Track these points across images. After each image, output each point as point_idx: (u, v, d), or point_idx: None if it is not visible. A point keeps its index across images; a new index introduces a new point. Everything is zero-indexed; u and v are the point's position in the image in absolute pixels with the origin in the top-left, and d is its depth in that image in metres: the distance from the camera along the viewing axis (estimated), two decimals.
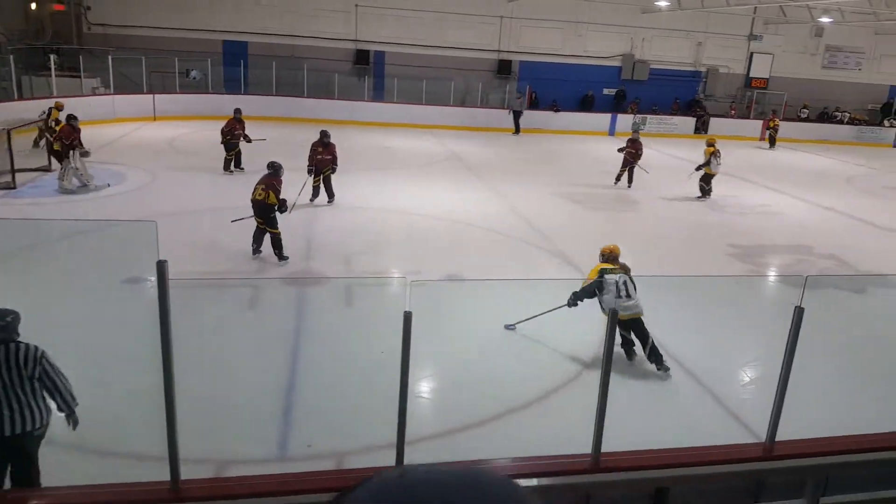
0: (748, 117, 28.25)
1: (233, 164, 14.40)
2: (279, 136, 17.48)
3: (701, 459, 3.81)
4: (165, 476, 3.33)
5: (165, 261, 2.99)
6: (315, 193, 12.13)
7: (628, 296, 6.38)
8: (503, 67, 26.34)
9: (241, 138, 14.36)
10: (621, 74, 27.61)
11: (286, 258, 9.03)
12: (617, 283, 6.44)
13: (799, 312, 3.61)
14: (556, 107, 25.75)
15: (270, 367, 6.24)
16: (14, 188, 11.99)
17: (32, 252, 8.90)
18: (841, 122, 28.90)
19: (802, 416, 4.46)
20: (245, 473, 4.66)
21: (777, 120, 25.76)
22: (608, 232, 12.04)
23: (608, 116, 26.23)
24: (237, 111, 14.61)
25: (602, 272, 6.62)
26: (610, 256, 6.93)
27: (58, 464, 4.56)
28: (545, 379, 6.14)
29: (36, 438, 4.19)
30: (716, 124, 26.86)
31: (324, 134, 12.19)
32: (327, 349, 6.68)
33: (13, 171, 12.10)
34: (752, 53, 28.63)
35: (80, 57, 21.23)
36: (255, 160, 13.08)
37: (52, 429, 4.27)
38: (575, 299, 6.61)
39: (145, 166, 14.50)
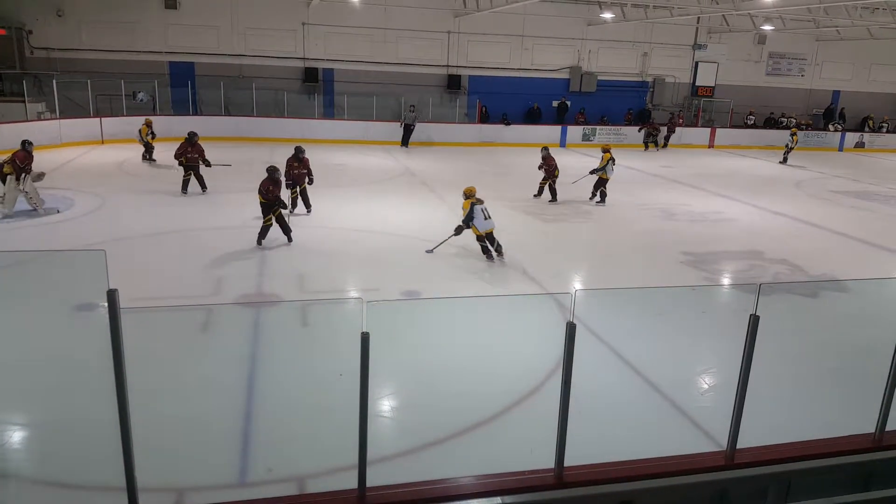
0: (695, 125, 29.01)
1: (189, 185, 14.26)
2: (240, 157, 17.40)
3: (664, 470, 3.85)
4: None
5: (116, 290, 2.94)
6: (293, 205, 12.70)
7: (489, 217, 10.03)
8: (453, 82, 26.60)
9: (199, 161, 14.20)
10: (570, 86, 28.13)
11: (259, 244, 10.58)
12: (483, 210, 10.05)
13: (754, 320, 3.67)
14: (506, 120, 26.06)
15: (227, 392, 6.12)
16: None
17: None
18: (787, 127, 29.78)
19: (762, 423, 4.55)
20: (206, 501, 4.61)
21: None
22: (563, 243, 12.24)
23: (559, 128, 26.66)
24: (192, 134, 14.40)
25: (472, 204, 10.05)
26: (472, 193, 10.26)
27: (18, 497, 4.44)
28: (505, 394, 6.15)
29: None
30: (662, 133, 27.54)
31: (298, 150, 12.96)
32: (285, 372, 6.60)
33: None
34: (697, 62, 29.50)
35: (24, 81, 20.71)
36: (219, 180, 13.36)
37: (12, 462, 4.15)
38: (462, 227, 10.16)
39: (94, 191, 14.16)
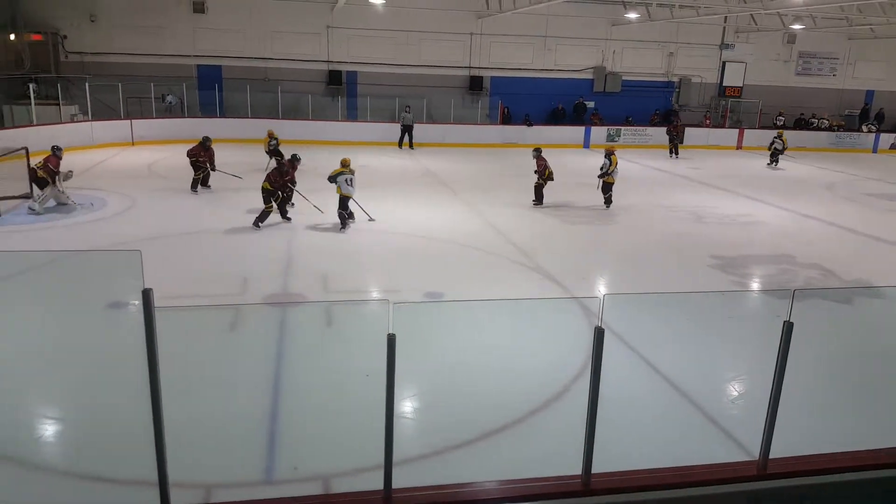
0: (723, 126, 28.66)
1: (199, 183, 14.73)
2: (265, 159, 17.56)
3: (694, 479, 3.78)
4: (154, 502, 3.31)
5: (150, 289, 3.00)
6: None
7: (352, 185, 11.99)
8: (475, 83, 26.59)
9: (207, 164, 14.69)
10: (594, 87, 27.96)
11: (257, 226, 11.75)
12: (347, 178, 11.95)
13: (788, 327, 3.59)
14: (528, 121, 25.98)
15: (254, 391, 6.19)
16: None
17: (16, 280, 8.82)
18: (819, 128, 29.16)
19: (796, 432, 4.45)
20: (233, 498, 4.66)
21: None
22: (587, 246, 12.16)
23: (582, 129, 26.52)
24: (206, 139, 14.83)
25: (341, 172, 12.01)
26: (346, 164, 12.21)
27: (51, 490, 4.55)
28: (531, 398, 6.12)
29: None
30: (690, 134, 27.23)
31: (295, 157, 13.45)
32: (310, 371, 6.66)
33: None
34: (724, 62, 29.14)
35: (59, 85, 21.20)
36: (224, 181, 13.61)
37: (44, 455, 4.26)
38: (330, 180, 12.16)
39: (125, 191, 14.43)
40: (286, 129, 23.00)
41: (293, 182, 12.84)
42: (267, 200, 11.91)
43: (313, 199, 12.82)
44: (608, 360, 3.63)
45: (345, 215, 12.09)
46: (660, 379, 6.57)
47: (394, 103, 24.65)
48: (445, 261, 10.70)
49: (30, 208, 12.51)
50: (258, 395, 6.09)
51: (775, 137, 23.02)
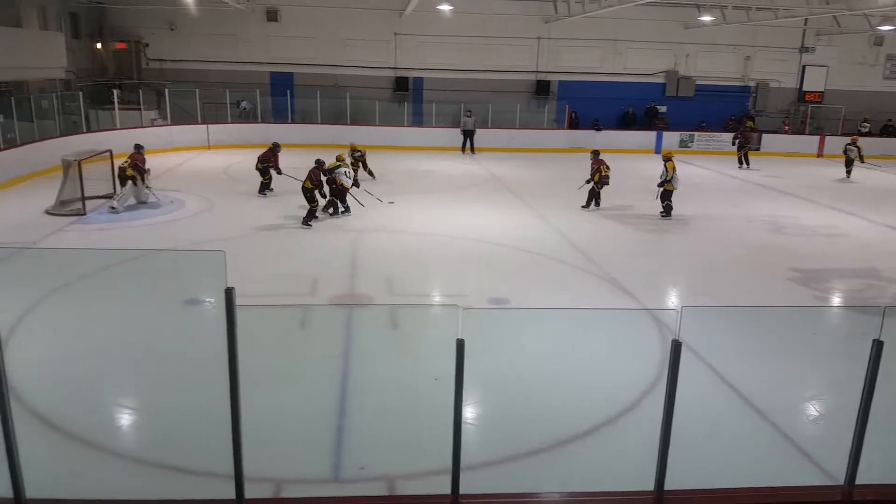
0: (803, 132, 27.50)
1: (266, 188, 15.19)
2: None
3: (773, 501, 3.65)
4: (228, 494, 3.39)
5: (233, 288, 3.09)
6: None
7: (349, 178, 12.94)
8: (542, 88, 26.40)
9: (273, 168, 15.10)
10: (665, 91, 27.33)
11: (309, 225, 12.30)
12: (345, 171, 12.96)
13: (877, 346, 3.43)
14: (597, 125, 25.59)
15: (322, 389, 6.31)
16: (84, 214, 12.67)
17: (100, 276, 9.30)
18: None
19: (885, 458, 4.21)
20: (302, 494, 4.75)
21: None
22: (659, 255, 11.86)
23: (653, 134, 25.93)
24: (275, 145, 15.24)
25: (338, 166, 13.07)
26: (341, 158, 13.49)
27: (125, 477, 4.76)
28: (601, 410, 6.01)
29: None
30: (768, 141, 26.25)
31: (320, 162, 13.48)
32: (376, 372, 6.74)
33: (83, 199, 12.79)
34: (804, 66, 27.99)
35: (140, 91, 22.28)
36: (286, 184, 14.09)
37: (121, 443, 4.42)
38: (327, 173, 13.05)
39: (202, 193, 15.02)
40: (353, 134, 23.38)
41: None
42: (311, 199, 12.41)
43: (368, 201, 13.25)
44: (681, 374, 3.52)
45: (337, 203, 13.17)
46: (735, 395, 6.33)
47: (459, 108, 24.75)
48: (511, 267, 10.64)
49: (111, 207, 13.18)
50: (326, 394, 6.20)
51: (848, 145, 21.29)
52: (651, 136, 25.85)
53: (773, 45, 27.26)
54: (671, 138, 25.75)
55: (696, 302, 9.11)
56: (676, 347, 3.37)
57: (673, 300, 9.54)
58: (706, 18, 23.99)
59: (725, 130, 26.57)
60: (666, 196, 14.02)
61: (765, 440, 5.81)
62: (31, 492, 3.68)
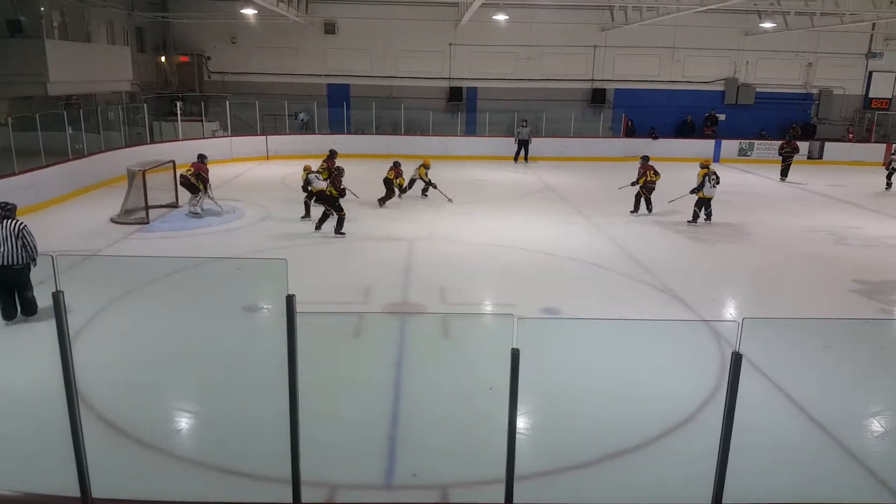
0: (868, 140, 26.49)
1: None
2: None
3: None
4: (283, 497, 3.47)
5: (293, 295, 3.18)
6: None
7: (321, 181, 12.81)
8: (597, 96, 26.19)
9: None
10: (724, 99, 26.74)
11: (343, 234, 12.37)
12: (315, 175, 12.94)
13: None
14: (654, 133, 25.19)
15: (376, 396, 6.39)
16: (147, 223, 13.15)
17: (165, 282, 9.67)
18: None
19: None
20: (356, 499, 4.82)
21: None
22: (716, 265, 11.60)
23: (712, 142, 25.37)
24: (332, 152, 15.36)
25: (310, 174, 12.98)
26: (308, 168, 13.44)
27: (185, 479, 4.93)
28: (656, 422, 5.91)
29: (20, 270, 7.60)
30: (831, 149, 25.36)
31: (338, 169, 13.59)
32: (429, 380, 6.79)
33: (147, 208, 13.29)
34: (870, 72, 26.97)
35: (202, 103, 23.07)
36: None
37: (181, 446, 4.51)
38: (307, 182, 13.56)
39: (260, 202, 15.43)
40: (407, 144, 23.76)
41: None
42: (338, 208, 12.46)
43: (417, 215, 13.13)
44: (740, 387, 3.45)
45: (309, 204, 13.48)
46: (796, 409, 6.14)
47: (512, 118, 24.76)
48: (563, 277, 10.57)
49: (191, 211, 13.71)
50: (380, 400, 6.27)
51: (894, 154, 20.19)
52: (709, 144, 25.29)
53: (838, 51, 26.38)
54: (730, 147, 25.18)
55: (754, 313, 8.89)
56: (737, 360, 3.32)
57: (731, 311, 9.32)
58: (767, 25, 23.41)
59: (787, 138, 25.85)
60: (700, 204, 14.05)
61: (827, 456, 5.63)
62: (96, 492, 3.84)
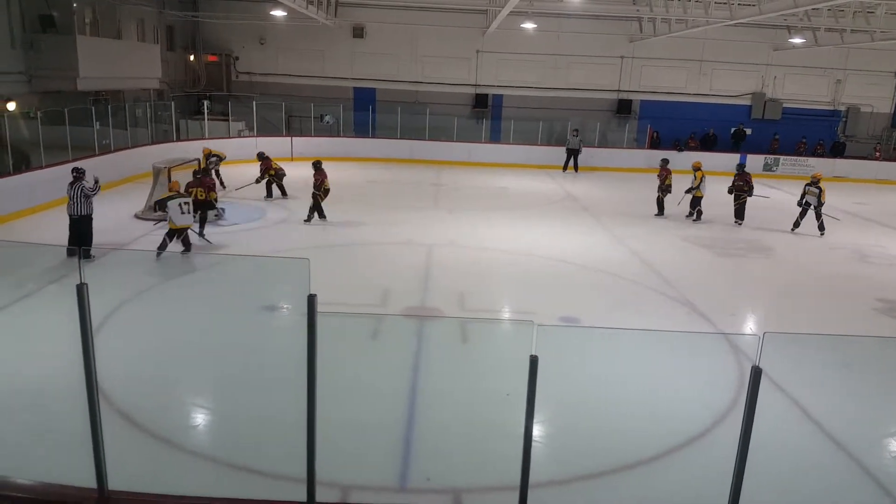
0: None
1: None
2: (410, 178, 18.13)
3: None
4: (297, 495, 3.49)
5: (315, 295, 3.21)
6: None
7: (186, 214, 10.77)
8: (623, 107, 26.09)
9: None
10: (751, 113, 26.50)
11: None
12: (180, 204, 10.72)
13: None
14: (678, 146, 25.02)
15: (392, 398, 6.41)
16: None
17: (187, 278, 9.78)
18: None
19: None
20: (368, 500, 4.83)
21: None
22: (738, 279, 11.50)
23: (736, 156, 25.10)
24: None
25: (170, 197, 10.95)
26: (173, 189, 11.44)
27: (200, 475, 4.98)
28: (672, 434, 5.88)
29: (86, 220, 10.34)
30: (857, 167, 25.01)
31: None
32: (445, 384, 6.79)
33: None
34: None
35: (229, 102, 23.32)
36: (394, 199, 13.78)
37: (197, 442, 4.55)
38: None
39: (283, 203, 15.53)
40: (432, 150, 23.82)
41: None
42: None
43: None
44: (758, 402, 3.43)
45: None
46: (813, 427, 6.07)
47: (537, 126, 24.70)
48: (583, 286, 10.54)
49: (214, 216, 13.20)
50: (396, 403, 6.29)
51: None
52: (735, 158, 25.02)
53: (867, 69, 26.04)
54: (755, 161, 24.90)
55: (775, 328, 8.80)
56: (756, 374, 3.29)
57: (751, 326, 9.24)
58: (797, 40, 23.17)
59: (814, 155, 25.56)
60: (696, 203, 15.47)
61: (843, 474, 5.58)
62: (113, 484, 3.89)
